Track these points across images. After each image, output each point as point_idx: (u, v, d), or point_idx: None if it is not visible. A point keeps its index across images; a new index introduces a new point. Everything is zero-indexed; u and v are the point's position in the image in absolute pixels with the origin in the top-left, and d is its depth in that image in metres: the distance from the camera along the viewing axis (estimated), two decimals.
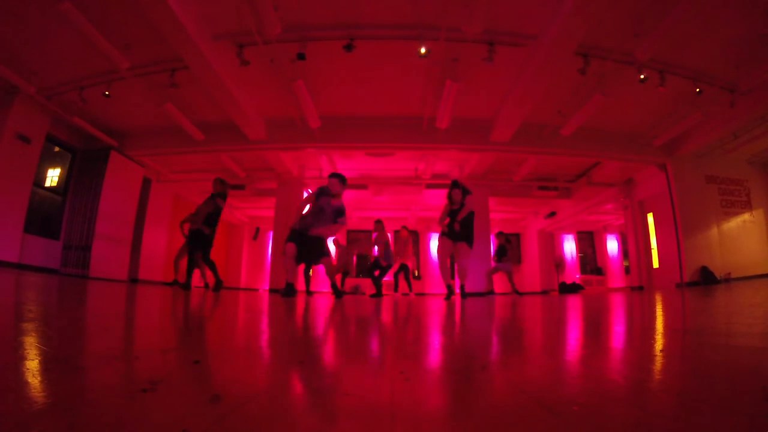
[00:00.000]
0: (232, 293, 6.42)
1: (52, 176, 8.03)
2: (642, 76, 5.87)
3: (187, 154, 8.54)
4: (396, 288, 8.25)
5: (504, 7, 4.93)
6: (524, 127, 7.36)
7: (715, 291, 4.83)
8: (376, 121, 7.85)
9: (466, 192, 5.38)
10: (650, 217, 9.50)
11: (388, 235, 7.81)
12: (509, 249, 8.34)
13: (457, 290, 5.60)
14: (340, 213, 4.62)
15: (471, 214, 5.33)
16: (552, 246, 14.61)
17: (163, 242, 9.98)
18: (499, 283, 9.60)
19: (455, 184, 5.46)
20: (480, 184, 9.73)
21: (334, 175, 4.78)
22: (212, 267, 5.94)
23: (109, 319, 1.64)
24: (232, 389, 0.63)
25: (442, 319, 2.32)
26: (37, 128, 6.85)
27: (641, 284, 9.45)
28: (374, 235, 7.73)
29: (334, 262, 9.29)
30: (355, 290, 13.70)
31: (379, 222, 7.67)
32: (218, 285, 5.86)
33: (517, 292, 7.93)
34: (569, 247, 14.68)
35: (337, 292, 4.88)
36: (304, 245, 4.56)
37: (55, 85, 6.56)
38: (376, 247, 7.66)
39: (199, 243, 5.81)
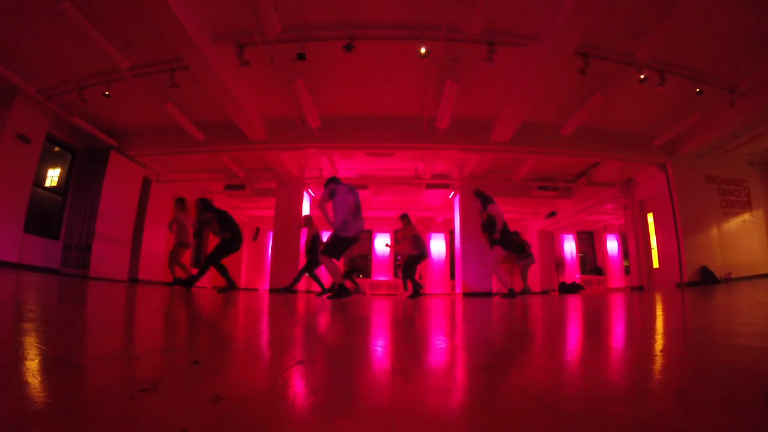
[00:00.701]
0: (232, 293, 6.41)
1: (52, 176, 8.03)
2: (642, 76, 5.86)
3: (187, 154, 8.54)
4: (405, 286, 8.13)
5: (504, 7, 4.92)
6: (524, 127, 7.36)
7: (715, 291, 4.83)
8: (376, 121, 7.85)
9: (486, 201, 5.62)
10: (650, 217, 9.50)
11: (416, 227, 7.60)
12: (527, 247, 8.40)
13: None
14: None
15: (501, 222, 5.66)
16: (552, 246, 14.61)
17: (163, 242, 9.96)
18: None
19: (476, 194, 5.80)
20: (480, 184, 9.73)
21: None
22: (221, 270, 5.98)
23: (109, 319, 1.64)
24: (232, 389, 0.63)
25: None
26: (37, 128, 6.84)
27: (641, 284, 9.45)
28: (401, 233, 7.42)
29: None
30: (356, 290, 13.69)
31: (404, 216, 7.49)
32: (229, 287, 5.89)
33: (527, 291, 7.87)
34: (569, 247, 14.68)
35: (340, 292, 4.85)
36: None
37: (55, 85, 6.56)
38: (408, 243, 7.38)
39: (221, 249, 5.86)
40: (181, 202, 7.69)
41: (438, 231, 14.71)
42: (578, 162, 9.63)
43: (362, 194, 10.76)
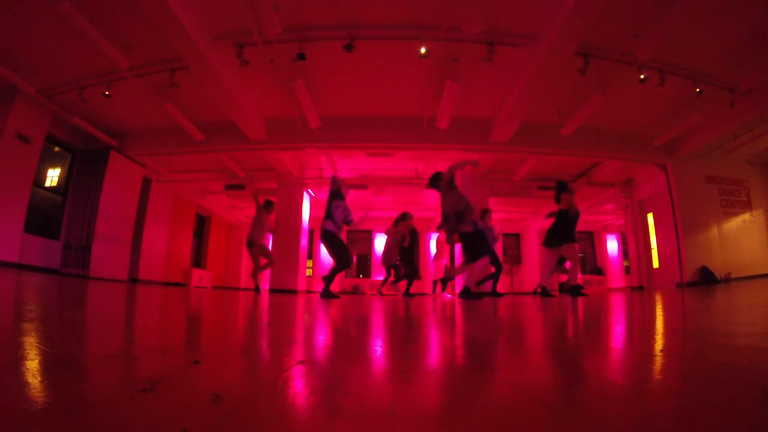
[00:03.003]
0: (233, 293, 6.42)
1: (52, 176, 8.04)
2: (642, 76, 5.87)
3: (187, 154, 8.55)
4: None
5: (504, 7, 4.93)
6: (524, 127, 7.36)
7: (715, 291, 4.83)
8: (376, 121, 7.85)
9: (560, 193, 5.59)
10: (650, 217, 9.50)
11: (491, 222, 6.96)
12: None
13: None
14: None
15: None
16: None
17: (163, 242, 9.98)
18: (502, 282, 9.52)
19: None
20: (480, 184, 9.74)
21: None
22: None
23: (109, 319, 1.64)
24: (232, 389, 0.63)
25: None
26: (37, 128, 6.85)
27: (641, 284, 9.45)
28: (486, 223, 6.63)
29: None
30: (356, 290, 13.72)
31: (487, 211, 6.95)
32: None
33: (535, 292, 7.72)
34: None
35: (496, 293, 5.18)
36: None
37: (55, 85, 6.56)
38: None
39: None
40: (269, 204, 7.49)
41: (438, 231, 14.69)
42: (578, 162, 9.64)
43: (362, 194, 10.83)
